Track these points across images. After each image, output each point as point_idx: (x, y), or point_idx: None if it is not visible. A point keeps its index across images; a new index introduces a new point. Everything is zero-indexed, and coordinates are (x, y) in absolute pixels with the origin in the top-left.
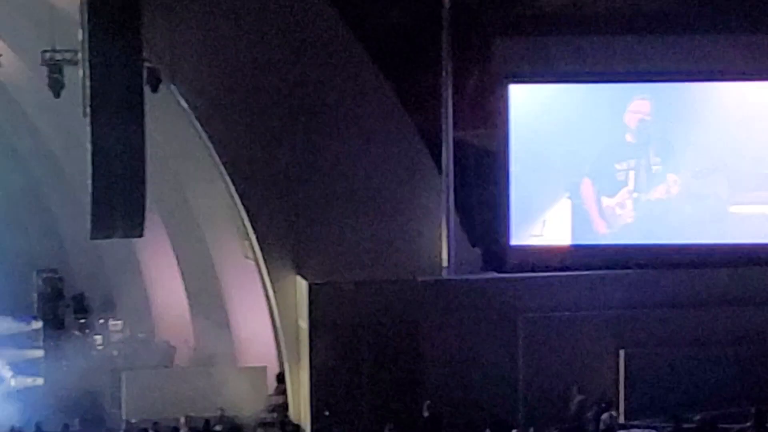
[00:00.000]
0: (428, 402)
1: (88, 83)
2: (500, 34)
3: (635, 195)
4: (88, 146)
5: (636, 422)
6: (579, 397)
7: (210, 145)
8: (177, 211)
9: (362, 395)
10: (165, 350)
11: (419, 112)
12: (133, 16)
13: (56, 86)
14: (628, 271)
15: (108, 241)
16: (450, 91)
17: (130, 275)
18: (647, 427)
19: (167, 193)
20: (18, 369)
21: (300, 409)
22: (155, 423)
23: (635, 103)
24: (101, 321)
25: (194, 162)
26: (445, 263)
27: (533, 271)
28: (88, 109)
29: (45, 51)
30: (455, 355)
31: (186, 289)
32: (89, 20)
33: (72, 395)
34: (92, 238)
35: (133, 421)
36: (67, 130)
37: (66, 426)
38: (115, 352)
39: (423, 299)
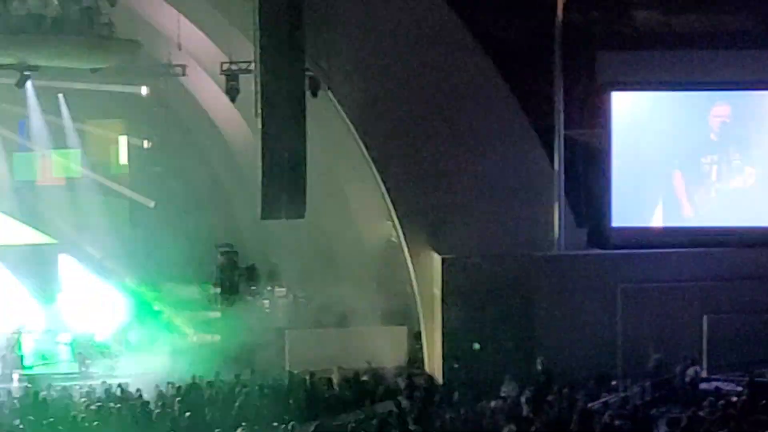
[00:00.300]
0: (541, 358)
1: (259, 90)
2: (604, 48)
3: (717, 185)
4: (259, 143)
5: (716, 376)
6: (655, 356)
7: (361, 143)
8: (331, 199)
9: (485, 351)
10: (321, 312)
11: (535, 115)
12: (297, 33)
13: (233, 93)
14: (711, 249)
15: (275, 221)
16: (561, 96)
17: (292, 250)
18: (726, 380)
19: (325, 183)
20: (199, 327)
21: (433, 363)
22: (312, 373)
23: (717, 107)
24: (268, 288)
25: (348, 157)
26: (556, 241)
27: (630, 248)
28: (259, 111)
29: (224, 63)
30: (564, 319)
31: (339, 265)
32: (261, 37)
33: (243, 350)
34: (262, 218)
35: (295, 371)
36: (242, 129)
37: (237, 376)
38: (280, 314)
39: (537, 271)
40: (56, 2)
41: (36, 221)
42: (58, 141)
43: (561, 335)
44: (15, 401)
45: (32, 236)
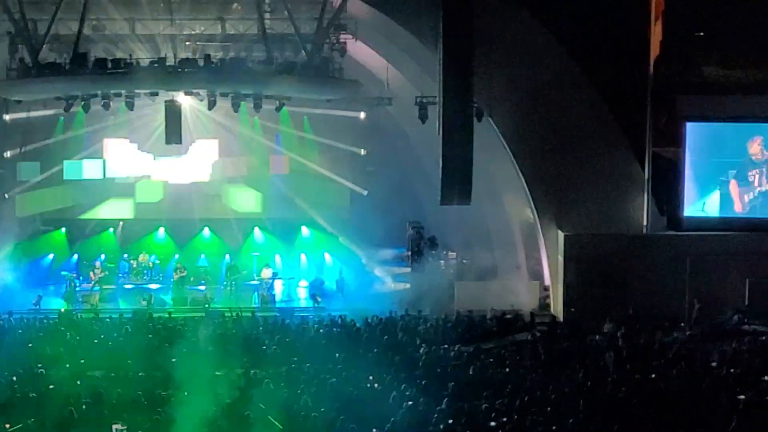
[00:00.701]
0: (632, 305)
1: (441, 115)
2: (681, 92)
3: (758, 189)
4: (440, 151)
5: (754, 322)
6: (697, 305)
7: (510, 153)
8: (489, 192)
9: (593, 300)
10: (481, 270)
11: (632, 137)
12: (467, 76)
13: (423, 117)
14: (752, 232)
15: (450, 207)
16: (650, 124)
17: (461, 226)
18: (760, 324)
19: (484, 181)
20: (395, 279)
21: (556, 307)
22: (472, 312)
23: (757, 136)
24: (444, 253)
25: (501, 162)
26: (644, 225)
27: (696, 231)
28: (440, 130)
29: (417, 96)
30: (648, 278)
31: (492, 237)
32: (443, 78)
33: (425, 295)
34: (441, 204)
35: (460, 311)
36: (428, 142)
37: (420, 311)
38: (451, 270)
39: (631, 246)
40: (304, 53)
41: (285, 201)
42: (302, 148)
43: (646, 291)
44: (266, 326)
45: (282, 212)
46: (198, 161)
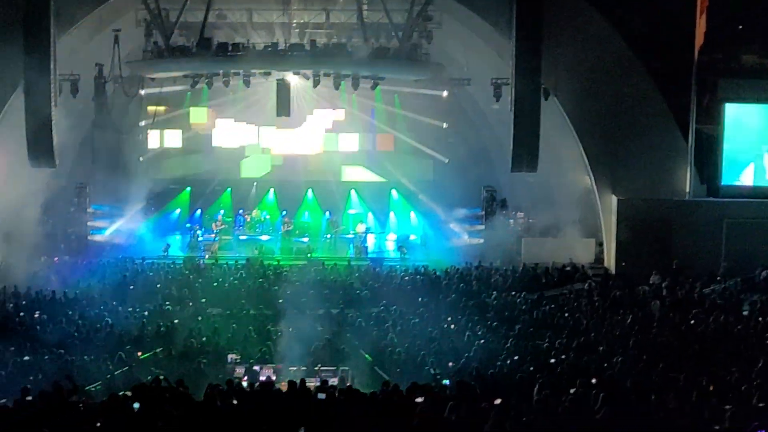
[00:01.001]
0: (675, 260)
1: (513, 94)
2: (721, 77)
3: None
4: (511, 125)
5: None
6: (724, 263)
7: (573, 129)
8: (553, 161)
9: (641, 255)
10: (544, 228)
11: (678, 115)
12: (536, 60)
13: (497, 96)
14: None
15: (519, 173)
16: (694, 105)
17: (529, 190)
18: None
19: (550, 151)
20: (470, 235)
21: (609, 261)
22: (535, 264)
23: None
24: (513, 213)
25: (564, 136)
26: (687, 191)
27: (732, 197)
28: (512, 107)
29: (492, 78)
30: (689, 238)
31: (555, 200)
32: (516, 62)
33: (497, 248)
34: (512, 171)
35: (526, 263)
36: (501, 116)
37: (491, 263)
38: (519, 228)
39: (675, 210)
40: (396, 40)
41: (378, 168)
42: (390, 122)
43: (688, 248)
44: (359, 273)
45: (376, 177)
46: (305, 134)
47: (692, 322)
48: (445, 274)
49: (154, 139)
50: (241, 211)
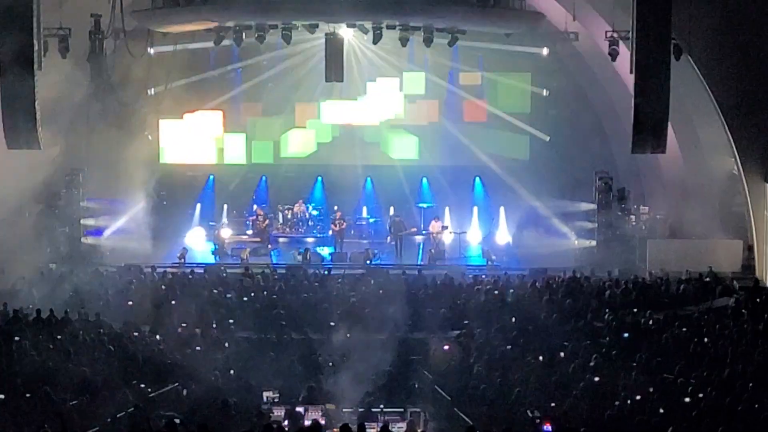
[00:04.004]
0: None
1: (634, 53)
2: None
3: None
4: (632, 92)
5: None
6: None
7: (712, 98)
8: (686, 140)
9: None
10: (676, 226)
11: None
12: (666, 8)
13: (614, 54)
14: None
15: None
16: None
17: (655, 178)
18: None
19: (681, 127)
20: (579, 235)
21: (763, 270)
22: (666, 273)
23: None
24: (635, 206)
25: (702, 108)
26: None
27: None
28: (633, 68)
29: (607, 31)
30: None
31: (689, 190)
32: (638, 10)
33: (614, 253)
34: (633, 152)
35: (653, 271)
36: (618, 82)
37: (609, 273)
38: (643, 227)
39: None
40: None
41: (457, 148)
42: (474, 89)
43: None
44: (433, 285)
45: (453, 160)
46: (364, 106)
47: None
48: (547, 285)
49: (167, 127)
50: (280, 206)
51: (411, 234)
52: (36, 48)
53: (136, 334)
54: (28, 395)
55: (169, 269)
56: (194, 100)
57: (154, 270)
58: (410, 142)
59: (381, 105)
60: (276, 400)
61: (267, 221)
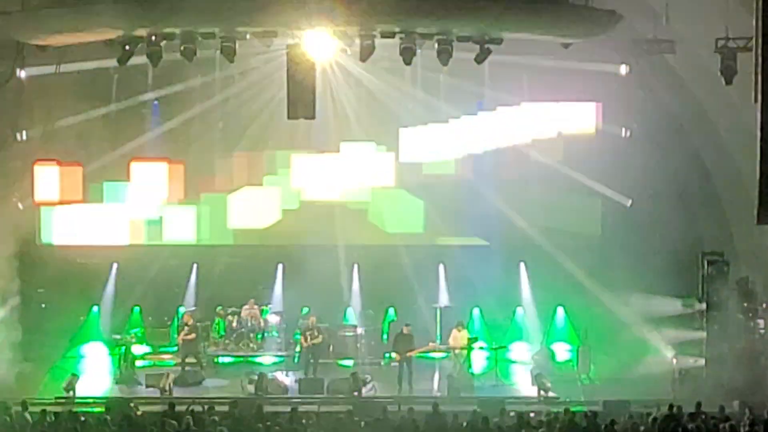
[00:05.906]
0: None
1: (759, 70)
2: None
3: None
4: (757, 132)
5: None
6: None
7: None
8: None
9: None
10: None
11: None
12: None
13: (729, 73)
14: None
15: None
16: None
17: None
18: None
19: None
20: (679, 349)
21: None
22: None
23: None
24: (763, 305)
25: None
26: None
27: None
28: (758, 98)
29: (719, 39)
30: None
31: None
32: (764, 9)
33: (733, 377)
34: (758, 223)
35: None
36: (739, 118)
37: (722, 408)
38: None
39: None
40: None
41: (489, 217)
42: (515, 126)
43: None
44: (460, 425)
45: (484, 236)
46: (345, 155)
47: None
48: (631, 427)
49: (46, 178)
50: (220, 309)
51: (425, 352)
52: None
53: None
54: None
55: (50, 408)
56: (91, 147)
57: (25, 409)
58: (414, 208)
59: (371, 156)
60: None
61: (194, 334)
